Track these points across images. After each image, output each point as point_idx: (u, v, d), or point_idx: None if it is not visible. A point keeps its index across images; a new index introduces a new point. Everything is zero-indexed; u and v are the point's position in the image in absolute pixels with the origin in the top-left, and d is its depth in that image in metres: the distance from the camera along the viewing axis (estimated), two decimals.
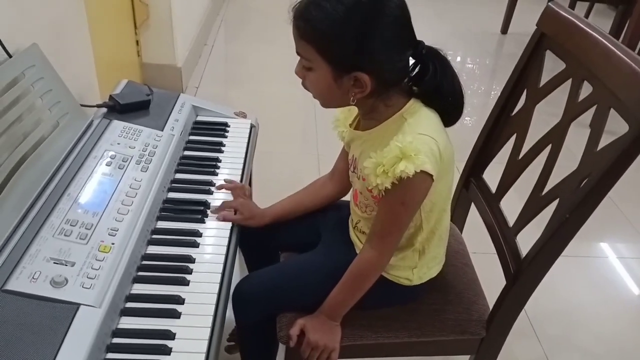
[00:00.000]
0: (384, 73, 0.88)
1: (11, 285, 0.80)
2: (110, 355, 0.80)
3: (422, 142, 0.87)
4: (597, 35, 0.96)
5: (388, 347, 1.07)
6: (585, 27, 0.99)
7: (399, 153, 0.86)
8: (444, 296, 1.11)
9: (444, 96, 0.93)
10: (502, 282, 1.08)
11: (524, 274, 1.01)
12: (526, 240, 1.05)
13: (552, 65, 1.09)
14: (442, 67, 0.92)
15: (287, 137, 2.42)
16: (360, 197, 1.02)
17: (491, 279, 1.19)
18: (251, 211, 1.13)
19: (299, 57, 0.92)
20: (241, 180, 1.23)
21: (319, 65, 0.88)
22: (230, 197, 1.14)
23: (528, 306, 1.62)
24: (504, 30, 3.71)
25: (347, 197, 1.11)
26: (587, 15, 3.53)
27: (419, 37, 0.92)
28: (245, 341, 1.16)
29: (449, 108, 0.95)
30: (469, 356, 1.17)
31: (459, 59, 3.40)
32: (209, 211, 1.11)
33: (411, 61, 0.92)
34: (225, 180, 1.17)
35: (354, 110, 1.04)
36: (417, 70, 0.93)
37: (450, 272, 1.15)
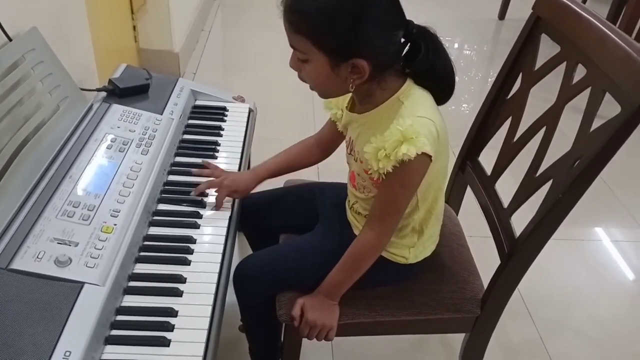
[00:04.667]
0: (380, 56, 0.89)
1: (16, 265, 0.82)
2: (114, 332, 0.82)
3: (421, 125, 0.88)
4: (591, 19, 0.97)
5: (385, 325, 1.10)
6: (580, 11, 1.00)
7: (400, 136, 0.87)
8: (440, 276, 1.13)
9: (437, 75, 0.94)
10: (496, 264, 1.10)
11: (517, 253, 1.03)
12: (520, 221, 1.07)
13: (549, 50, 1.11)
14: (433, 46, 0.92)
15: (286, 122, 2.43)
16: (358, 179, 1.04)
17: (486, 261, 1.21)
18: (243, 183, 1.14)
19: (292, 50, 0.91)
20: (240, 163, 1.25)
21: (315, 56, 0.88)
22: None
23: (523, 289, 1.67)
24: (502, 16, 3.70)
25: (344, 179, 1.13)
26: (584, 1, 3.53)
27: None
28: (249, 320, 1.19)
29: (442, 86, 0.96)
30: (464, 334, 1.19)
31: (456, 45, 3.40)
32: (207, 194, 1.12)
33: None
34: (195, 173, 1.17)
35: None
36: (407, 50, 0.93)
37: (446, 252, 1.18)
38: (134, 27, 2.44)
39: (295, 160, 1.21)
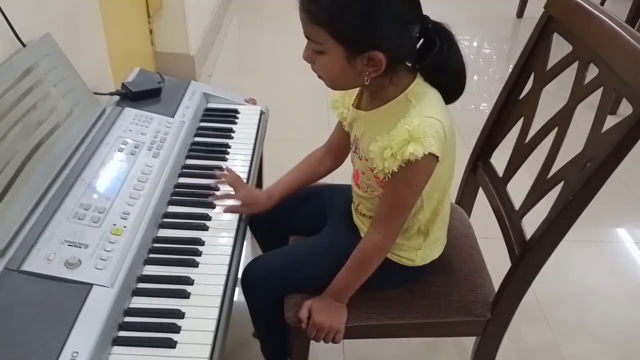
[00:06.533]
0: (396, 49, 0.88)
1: (27, 266, 0.84)
2: (122, 333, 0.83)
3: (429, 125, 0.87)
4: (603, 17, 0.95)
5: (394, 328, 1.09)
6: (591, 9, 0.98)
7: (407, 136, 0.86)
8: (450, 279, 1.12)
9: (449, 72, 0.93)
10: (509, 266, 1.08)
11: (528, 256, 1.02)
12: (533, 223, 1.06)
13: (565, 49, 1.09)
14: (448, 42, 0.91)
15: (300, 123, 2.43)
16: (362, 177, 1.03)
17: (500, 263, 1.19)
18: (255, 199, 1.14)
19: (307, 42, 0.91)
20: (250, 165, 1.25)
21: (332, 47, 0.87)
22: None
23: (538, 291, 1.64)
24: (520, 14, 3.66)
25: (350, 181, 1.12)
26: (602, 3, 3.45)
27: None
28: (258, 322, 1.19)
29: (452, 84, 0.94)
30: (474, 338, 1.18)
31: (475, 44, 3.36)
32: (215, 201, 1.11)
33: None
34: (218, 174, 1.15)
35: (352, 90, 1.04)
36: (420, 45, 0.91)
37: (456, 255, 1.16)
38: (150, 31, 2.47)
39: (307, 174, 1.20)
